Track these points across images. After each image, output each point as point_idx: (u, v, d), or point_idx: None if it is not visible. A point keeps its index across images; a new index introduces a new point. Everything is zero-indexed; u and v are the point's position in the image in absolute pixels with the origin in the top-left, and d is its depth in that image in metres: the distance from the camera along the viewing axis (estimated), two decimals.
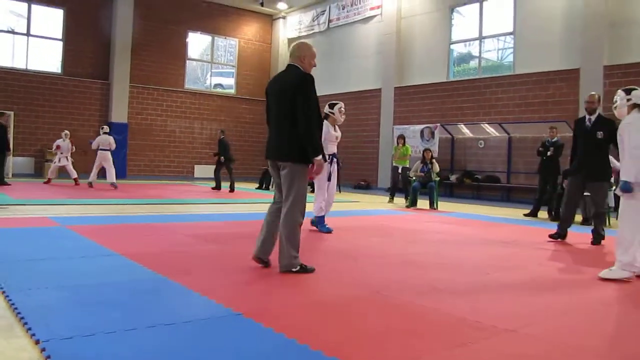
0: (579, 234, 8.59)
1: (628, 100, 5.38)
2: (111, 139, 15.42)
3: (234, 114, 24.23)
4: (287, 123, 4.79)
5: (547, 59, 15.69)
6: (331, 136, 7.67)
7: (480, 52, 18.21)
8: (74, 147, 16.00)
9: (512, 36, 17.02)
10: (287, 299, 4.03)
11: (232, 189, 15.89)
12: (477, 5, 17.89)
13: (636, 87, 5.47)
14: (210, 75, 24.89)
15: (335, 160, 7.77)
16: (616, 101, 5.51)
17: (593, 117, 7.63)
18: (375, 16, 21.06)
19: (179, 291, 4.06)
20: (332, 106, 7.78)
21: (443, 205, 13.22)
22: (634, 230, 5.12)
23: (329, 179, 7.66)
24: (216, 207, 11.04)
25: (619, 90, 5.55)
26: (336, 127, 7.87)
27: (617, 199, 5.46)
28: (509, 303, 4.17)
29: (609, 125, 7.47)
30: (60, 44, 20.58)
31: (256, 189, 17.70)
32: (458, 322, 3.54)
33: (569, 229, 7.76)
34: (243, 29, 24.88)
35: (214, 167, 17.35)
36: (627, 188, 5.13)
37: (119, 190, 14.25)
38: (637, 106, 5.32)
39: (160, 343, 2.93)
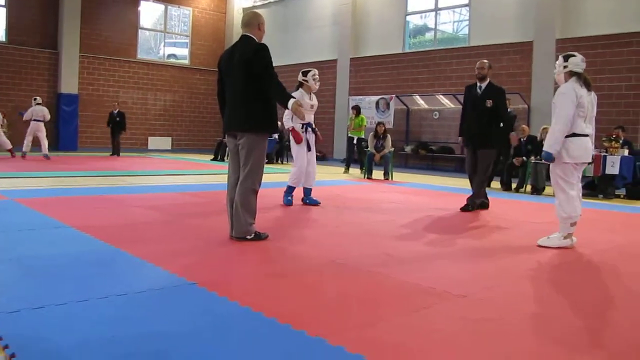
0: (526, 202, 8.80)
1: (565, 67, 5.28)
2: (45, 110, 15.10)
3: (188, 85, 23.84)
4: (246, 94, 4.82)
5: (502, 32, 15.85)
6: (306, 104, 7.31)
7: (435, 24, 18.29)
8: (4, 120, 15.54)
9: (467, 8, 17.12)
10: (242, 268, 4.02)
11: (118, 154, 17.78)
12: None
13: (575, 54, 5.34)
14: (164, 46, 24.38)
15: (310, 129, 7.61)
16: (556, 67, 5.40)
17: (483, 85, 7.63)
18: None
19: (132, 262, 4.01)
20: (305, 74, 7.58)
21: (398, 175, 13.33)
22: (566, 197, 5.20)
23: (309, 149, 7.54)
24: (169, 179, 10.89)
25: (559, 56, 5.46)
26: (312, 95, 7.71)
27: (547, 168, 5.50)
28: (459, 269, 4.26)
29: (498, 94, 7.59)
30: (3, 10, 19.77)
31: (211, 160, 17.51)
32: (412, 289, 3.59)
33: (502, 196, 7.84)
34: None
35: (165, 138, 17.89)
36: (548, 158, 5.23)
37: (70, 163, 13.90)
38: (574, 74, 5.24)
39: (112, 314, 2.88)
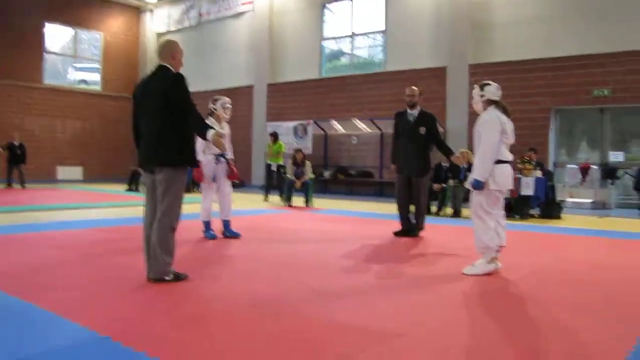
0: (448, 226, 8.88)
1: (482, 96, 5.35)
2: None
3: (101, 112, 23.03)
4: (163, 127, 4.57)
5: (417, 57, 16.22)
6: None
7: (352, 49, 18.51)
8: None
9: (382, 34, 17.40)
10: (161, 317, 3.71)
11: (23, 185, 17.01)
12: (348, 2, 18.16)
13: (490, 83, 5.42)
14: (74, 70, 23.52)
15: (222, 159, 7.35)
16: (474, 96, 5.47)
17: (415, 112, 7.74)
18: (247, 12, 20.77)
19: (36, 315, 3.60)
20: (214, 102, 7.39)
21: (318, 201, 13.23)
22: (484, 226, 5.22)
23: (214, 180, 7.30)
24: (81, 213, 10.33)
25: (475, 85, 5.54)
26: (223, 124, 7.47)
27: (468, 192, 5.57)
28: (390, 303, 4.12)
29: (430, 121, 7.74)
30: None
31: (126, 190, 16.87)
32: (344, 329, 3.40)
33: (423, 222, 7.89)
34: (108, 21, 23.69)
35: (75, 167, 19.05)
36: (478, 186, 5.22)
37: None
38: (492, 102, 5.32)
39: None
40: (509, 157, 5.33)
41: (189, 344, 3.12)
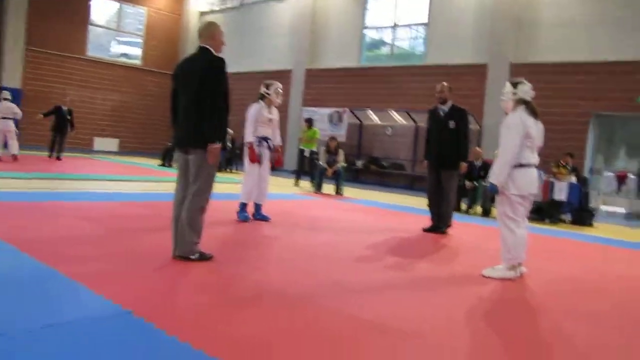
0: (478, 225, 8.77)
1: (514, 94, 5.15)
2: (15, 107, 13.95)
3: (140, 86, 23.25)
4: (200, 108, 4.58)
5: (458, 52, 16.02)
6: (263, 118, 7.24)
7: (393, 40, 18.38)
8: None
9: (424, 26, 17.22)
10: (184, 295, 3.74)
11: (59, 156, 15.58)
12: None
13: (524, 81, 5.22)
14: (117, 44, 23.77)
15: (266, 144, 7.40)
16: (504, 94, 5.26)
17: (446, 107, 7.71)
18: None
19: (62, 283, 3.66)
20: (268, 86, 7.42)
21: (348, 191, 13.19)
22: (513, 237, 5.08)
23: (260, 164, 7.33)
24: (115, 185, 10.43)
25: (507, 82, 5.32)
26: (272, 108, 7.49)
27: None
28: (412, 303, 4.08)
29: (461, 115, 7.67)
30: None
31: (159, 165, 17.03)
32: (364, 326, 3.37)
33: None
34: None
35: (112, 139, 18.84)
36: (493, 189, 5.14)
37: (4, 163, 13.00)
38: (522, 102, 5.11)
39: (34, 350, 2.57)
40: (533, 160, 5.16)
41: (208, 326, 3.14)
